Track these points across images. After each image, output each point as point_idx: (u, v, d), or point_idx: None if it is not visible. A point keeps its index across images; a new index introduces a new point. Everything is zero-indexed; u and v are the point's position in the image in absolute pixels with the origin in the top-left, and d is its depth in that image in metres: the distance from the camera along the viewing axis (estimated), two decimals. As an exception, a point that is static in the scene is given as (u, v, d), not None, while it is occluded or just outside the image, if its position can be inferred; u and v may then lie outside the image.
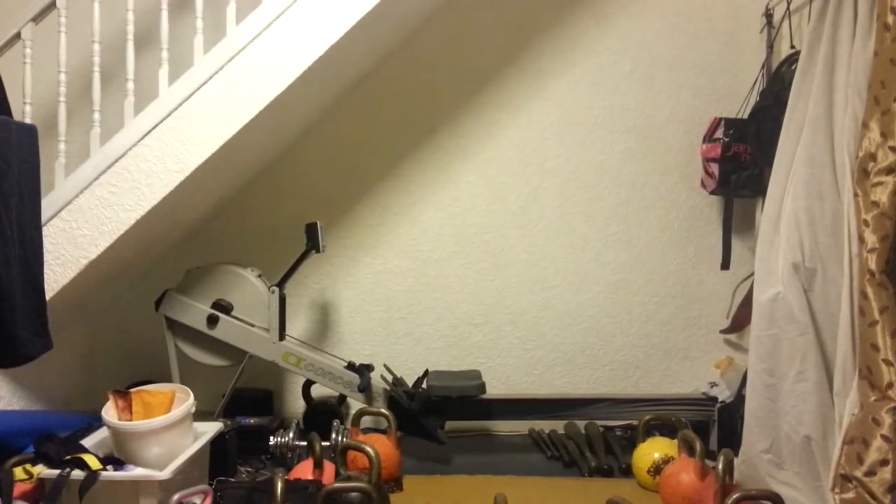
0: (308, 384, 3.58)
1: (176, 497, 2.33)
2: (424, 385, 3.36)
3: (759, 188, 3.35)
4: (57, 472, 2.30)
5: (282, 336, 3.33)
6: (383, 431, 3.19)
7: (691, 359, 3.77)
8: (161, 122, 2.86)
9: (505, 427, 3.66)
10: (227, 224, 3.79)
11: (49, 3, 2.89)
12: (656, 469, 2.86)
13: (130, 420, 2.54)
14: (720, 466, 2.36)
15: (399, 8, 3.12)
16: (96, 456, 2.39)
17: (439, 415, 3.32)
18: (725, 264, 3.60)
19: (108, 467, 2.38)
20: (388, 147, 3.78)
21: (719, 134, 3.44)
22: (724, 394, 3.41)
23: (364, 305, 3.83)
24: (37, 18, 2.91)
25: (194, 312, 3.25)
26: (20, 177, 2.64)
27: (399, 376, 3.42)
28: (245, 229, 3.78)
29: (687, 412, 3.35)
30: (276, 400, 3.74)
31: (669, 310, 3.78)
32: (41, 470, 2.35)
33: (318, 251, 3.36)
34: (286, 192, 3.79)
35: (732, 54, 3.69)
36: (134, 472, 2.39)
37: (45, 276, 2.78)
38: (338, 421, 3.20)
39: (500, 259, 3.76)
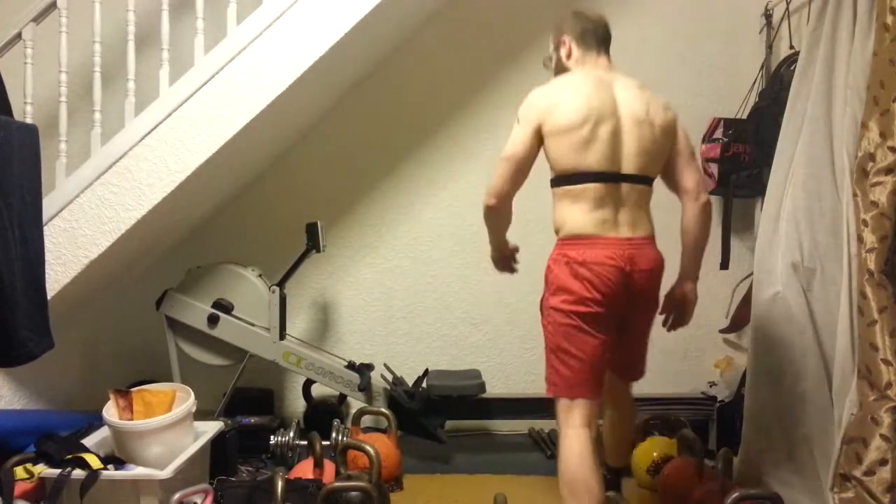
0: (308, 383, 3.58)
1: (176, 496, 2.33)
2: (424, 384, 3.37)
3: (758, 188, 3.35)
4: (58, 471, 2.30)
5: (282, 335, 3.33)
6: (383, 431, 3.19)
7: (690, 358, 3.78)
8: (162, 122, 2.86)
9: (505, 426, 3.66)
10: (228, 223, 3.79)
11: (50, 4, 2.90)
12: (656, 468, 2.87)
13: (131, 419, 2.54)
14: (719, 466, 2.36)
15: (399, 8, 3.13)
16: (97, 455, 2.40)
17: (439, 414, 3.33)
18: (725, 264, 3.60)
19: (109, 466, 2.38)
20: (388, 147, 3.79)
21: (718, 134, 3.44)
22: (723, 393, 3.41)
23: (364, 305, 3.83)
24: (38, 18, 2.92)
25: (195, 312, 3.26)
26: (21, 177, 2.64)
27: (399, 375, 3.43)
28: (245, 229, 3.79)
29: (686, 411, 3.35)
30: (276, 399, 3.75)
31: (669, 309, 3.78)
32: (42, 469, 2.35)
33: (318, 251, 3.37)
34: (286, 191, 3.79)
35: (732, 55, 3.69)
36: (135, 471, 2.39)
37: (47, 275, 2.78)
38: (338, 420, 3.21)
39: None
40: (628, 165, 2.18)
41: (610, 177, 2.16)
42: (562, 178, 2.22)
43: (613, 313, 2.18)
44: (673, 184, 2.35)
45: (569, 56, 2.35)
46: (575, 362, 2.15)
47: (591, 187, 2.16)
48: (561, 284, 2.17)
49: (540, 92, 2.25)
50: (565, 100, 2.18)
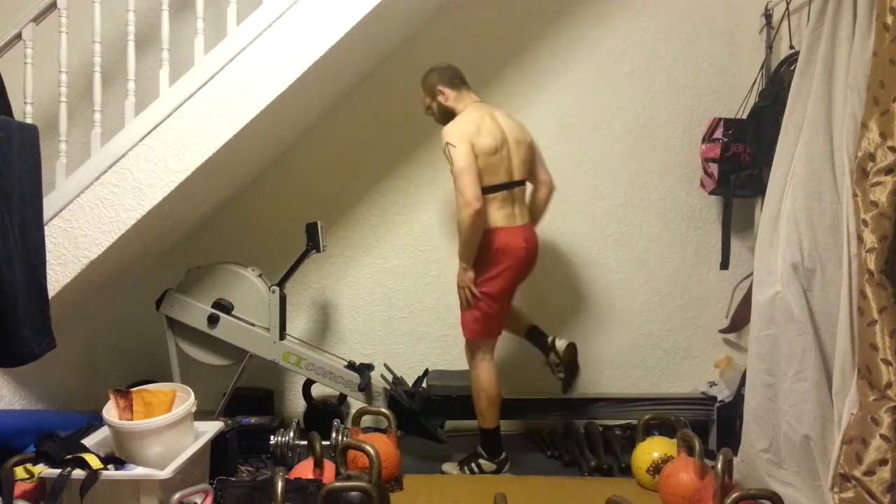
0: (308, 383, 3.58)
1: (177, 496, 2.33)
2: (424, 384, 3.36)
3: (758, 188, 3.35)
4: (58, 471, 2.30)
5: (282, 335, 3.33)
6: (383, 431, 3.19)
7: (690, 358, 3.78)
8: (162, 122, 2.86)
9: (505, 427, 3.65)
10: (228, 223, 3.79)
11: (50, 4, 2.90)
12: (656, 468, 2.87)
13: (131, 419, 2.53)
14: (719, 466, 2.36)
15: (399, 8, 3.13)
16: (97, 455, 2.39)
17: (439, 414, 3.33)
18: (724, 264, 3.60)
19: (109, 467, 2.38)
20: (388, 147, 3.78)
21: (718, 134, 3.44)
22: (723, 393, 3.41)
23: (364, 305, 3.83)
24: (38, 19, 2.92)
25: (195, 312, 3.26)
26: (21, 177, 2.65)
27: (399, 375, 3.43)
28: (245, 229, 3.79)
29: (686, 411, 3.36)
30: (276, 399, 3.75)
31: (669, 309, 3.78)
32: (42, 469, 2.35)
33: (318, 251, 3.37)
34: (287, 191, 3.79)
35: (732, 55, 3.69)
36: (135, 471, 2.39)
37: (47, 275, 2.78)
38: (338, 420, 3.21)
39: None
40: (517, 174, 3.05)
41: (509, 185, 3.02)
42: (484, 189, 2.92)
43: (520, 280, 3.12)
44: (533, 178, 3.22)
45: (447, 99, 3.09)
46: (494, 316, 3.06)
47: (500, 194, 2.99)
48: (490, 264, 2.99)
49: (458, 122, 2.98)
50: (481, 131, 2.93)
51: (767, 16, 3.51)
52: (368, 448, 2.56)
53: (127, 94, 2.93)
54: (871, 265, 2.21)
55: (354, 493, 2.34)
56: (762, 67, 3.48)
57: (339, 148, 3.78)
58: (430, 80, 3.13)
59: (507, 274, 3.01)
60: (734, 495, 2.18)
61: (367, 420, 3.27)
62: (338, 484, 2.36)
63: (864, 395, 2.21)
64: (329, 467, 2.70)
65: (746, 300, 3.20)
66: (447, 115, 3.07)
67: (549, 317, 3.77)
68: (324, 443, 2.75)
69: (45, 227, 2.80)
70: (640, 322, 3.79)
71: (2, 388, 2.94)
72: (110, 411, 2.54)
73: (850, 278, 2.28)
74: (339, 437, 3.06)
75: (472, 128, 2.92)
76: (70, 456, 2.37)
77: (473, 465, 3.13)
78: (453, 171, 2.88)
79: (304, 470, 2.68)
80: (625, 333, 3.79)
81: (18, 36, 2.90)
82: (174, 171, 2.87)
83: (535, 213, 3.25)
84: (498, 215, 2.99)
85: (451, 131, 2.91)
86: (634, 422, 3.21)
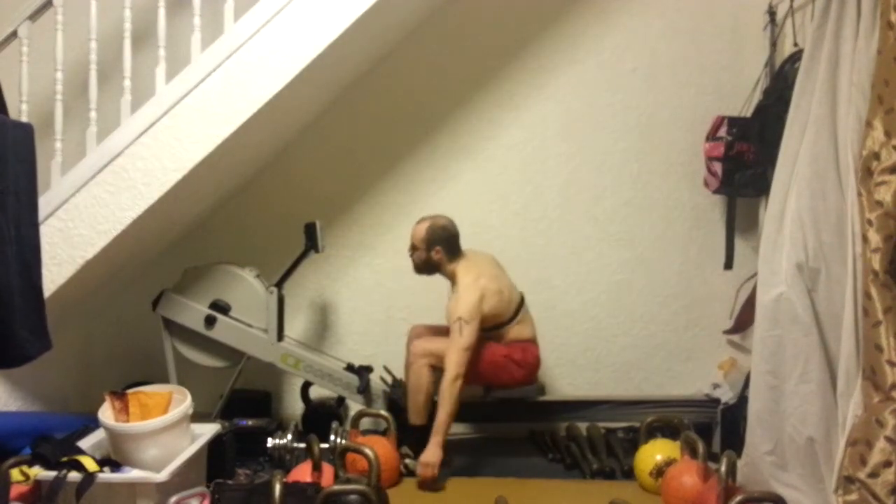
0: (307, 385, 3.56)
1: (173, 499, 2.32)
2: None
3: (762, 187, 3.32)
4: (54, 473, 2.29)
5: (280, 337, 3.31)
6: (383, 433, 3.17)
7: (694, 360, 3.75)
8: (158, 120, 2.85)
9: (507, 430, 3.63)
10: (225, 223, 3.77)
11: (46, 1, 2.89)
12: (659, 471, 2.85)
13: (127, 421, 2.52)
14: (723, 468, 2.34)
15: (398, 6, 3.11)
16: (93, 458, 2.38)
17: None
18: (728, 264, 3.58)
19: (105, 469, 2.36)
20: (387, 146, 3.76)
21: (722, 132, 3.41)
22: (726, 395, 3.39)
23: (363, 306, 3.81)
24: (34, 16, 2.91)
25: (192, 313, 3.24)
26: (17, 176, 2.61)
27: (399, 378, 3.40)
28: (243, 228, 3.76)
29: (689, 414, 3.33)
30: (274, 401, 3.72)
31: (672, 310, 3.75)
32: (38, 472, 2.34)
33: (316, 251, 3.35)
34: (285, 191, 3.77)
35: (735, 52, 3.66)
36: (131, 474, 2.37)
37: (43, 275, 2.76)
38: (337, 423, 3.18)
39: (501, 259, 3.69)
40: (518, 298, 3.29)
41: (519, 309, 3.26)
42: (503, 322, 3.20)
43: (503, 384, 3.29)
44: None
45: (440, 260, 3.15)
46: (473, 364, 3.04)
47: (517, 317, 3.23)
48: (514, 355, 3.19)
49: (467, 290, 3.05)
50: (487, 290, 3.08)
51: (771, 13, 3.48)
52: (367, 451, 2.54)
53: (123, 93, 2.92)
54: (876, 265, 2.18)
55: (353, 497, 2.34)
56: (766, 65, 3.45)
57: (337, 147, 3.76)
58: (435, 235, 3.15)
59: (514, 373, 3.18)
60: (738, 498, 2.17)
61: (366, 422, 3.26)
62: (336, 487, 2.35)
63: (868, 397, 2.18)
64: (328, 470, 2.69)
65: (750, 301, 3.18)
66: (430, 268, 3.19)
67: (549, 317, 3.75)
68: (322, 445, 2.74)
69: (41, 227, 2.77)
70: (642, 323, 3.76)
71: (-3, 390, 2.93)
72: (106, 413, 2.53)
73: (855, 279, 2.25)
74: (338, 440, 3.03)
75: (478, 295, 3.03)
76: (66, 458, 2.36)
77: (400, 465, 3.03)
78: (456, 342, 2.95)
79: (303, 473, 2.67)
80: (627, 334, 3.76)
81: (14, 33, 2.89)
82: (170, 169, 2.85)
83: None
84: (524, 330, 3.23)
85: (463, 303, 3.01)
86: (637, 424, 3.20)
